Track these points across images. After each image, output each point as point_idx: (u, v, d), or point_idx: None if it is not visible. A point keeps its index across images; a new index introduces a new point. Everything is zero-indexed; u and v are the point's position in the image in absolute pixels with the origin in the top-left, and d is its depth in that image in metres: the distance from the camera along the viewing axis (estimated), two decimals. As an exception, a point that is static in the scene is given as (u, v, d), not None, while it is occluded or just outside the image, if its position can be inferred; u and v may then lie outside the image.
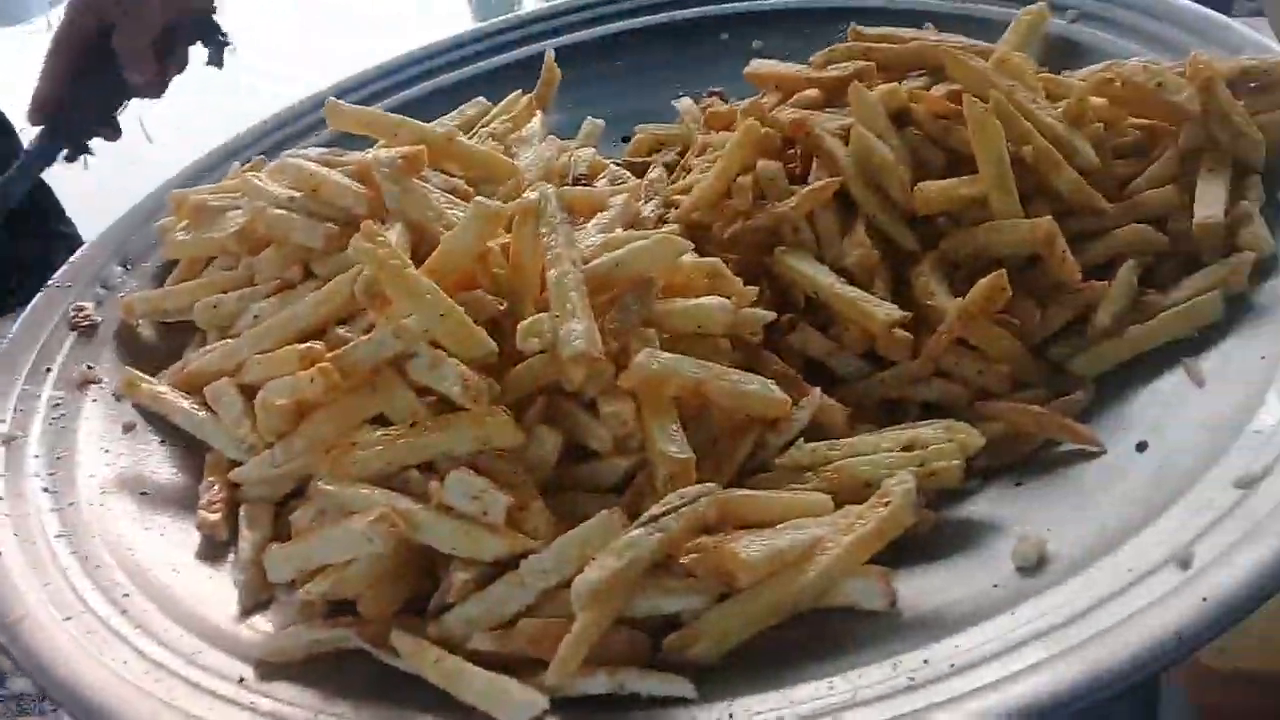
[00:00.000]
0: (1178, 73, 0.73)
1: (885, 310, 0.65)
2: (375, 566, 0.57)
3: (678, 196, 0.80)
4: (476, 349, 0.61)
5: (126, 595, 0.61)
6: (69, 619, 0.58)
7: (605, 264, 0.65)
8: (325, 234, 0.75)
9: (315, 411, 0.64)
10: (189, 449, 0.73)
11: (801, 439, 0.62)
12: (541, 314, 0.61)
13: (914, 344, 0.66)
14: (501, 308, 0.65)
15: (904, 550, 0.55)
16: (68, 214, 1.96)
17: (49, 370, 0.78)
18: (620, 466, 0.61)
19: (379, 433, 0.61)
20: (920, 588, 0.54)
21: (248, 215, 0.80)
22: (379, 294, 0.65)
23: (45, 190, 1.95)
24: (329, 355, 0.63)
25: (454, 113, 0.97)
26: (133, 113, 1.15)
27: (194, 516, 0.68)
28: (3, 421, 0.73)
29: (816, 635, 0.52)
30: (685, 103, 0.96)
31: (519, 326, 0.61)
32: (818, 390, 0.64)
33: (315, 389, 0.62)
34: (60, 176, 1.96)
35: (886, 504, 0.54)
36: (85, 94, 1.07)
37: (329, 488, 0.59)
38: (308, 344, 0.66)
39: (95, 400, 0.77)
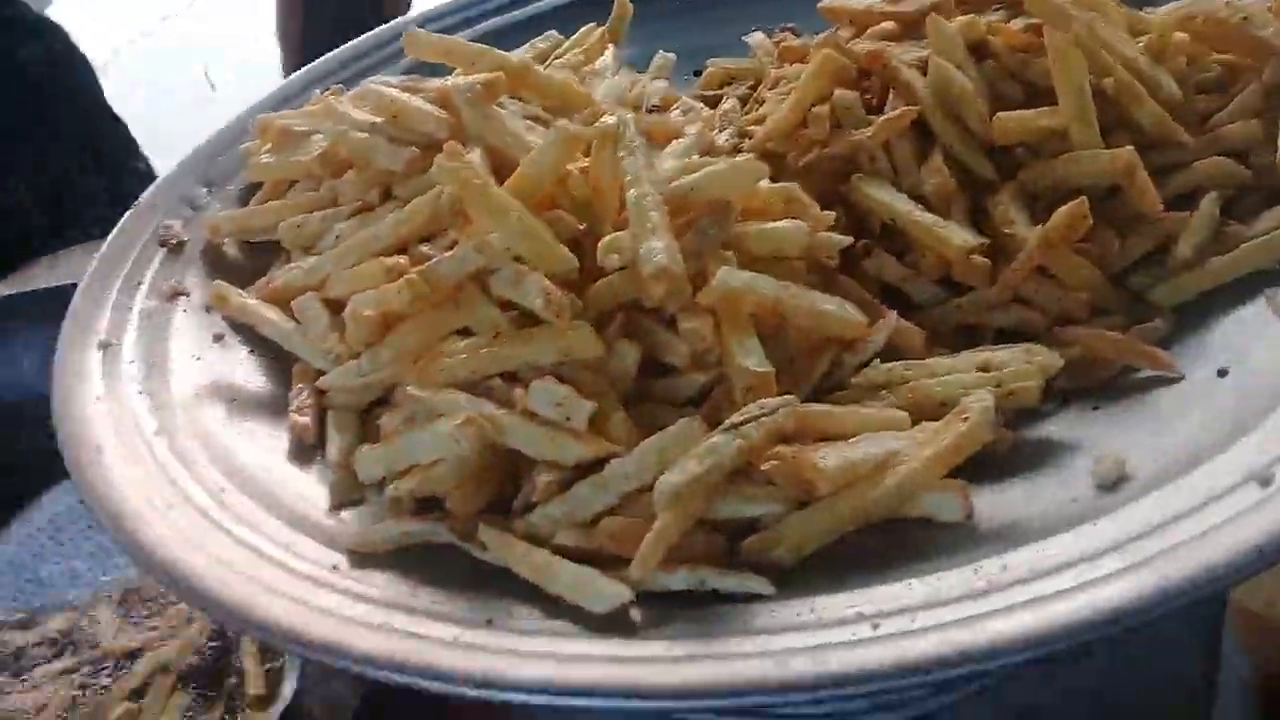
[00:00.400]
0: (1265, 8, 0.73)
1: (963, 236, 0.66)
2: (461, 467, 0.59)
3: (752, 127, 0.81)
4: (558, 265, 0.63)
5: (223, 490, 0.63)
6: (170, 509, 0.61)
7: (683, 187, 0.65)
8: (406, 158, 0.76)
9: (401, 324, 0.66)
10: (276, 359, 0.75)
11: (878, 359, 0.63)
12: (621, 231, 0.63)
13: (991, 271, 0.66)
14: (580, 228, 0.66)
15: (980, 468, 0.56)
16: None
17: (140, 284, 0.81)
18: (698, 381, 0.62)
19: (464, 343, 0.63)
20: (997, 502, 0.55)
21: (330, 139, 0.82)
22: (461, 212, 0.66)
23: (119, 125, 1.99)
24: (413, 269, 0.64)
25: (525, 46, 0.98)
26: (198, 62, 1.18)
27: (282, 422, 0.70)
28: (99, 330, 0.76)
29: (893, 543, 0.53)
30: (757, 37, 0.96)
31: (600, 243, 0.62)
32: (894, 313, 0.65)
33: (402, 300, 0.63)
34: (133, 116, 2.00)
35: (965, 420, 0.55)
36: None
37: (417, 393, 0.61)
38: (393, 258, 0.68)
39: (185, 312, 0.79)
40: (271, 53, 2.38)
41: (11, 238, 1.78)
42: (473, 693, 0.48)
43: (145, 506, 0.61)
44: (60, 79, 1.86)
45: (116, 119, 1.97)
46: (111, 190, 1.98)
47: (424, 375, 0.62)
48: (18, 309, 1.36)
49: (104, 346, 0.75)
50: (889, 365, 0.62)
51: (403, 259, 0.67)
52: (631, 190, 0.64)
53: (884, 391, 0.61)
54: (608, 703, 0.47)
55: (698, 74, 0.98)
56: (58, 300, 1.32)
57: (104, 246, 0.84)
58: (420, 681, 0.49)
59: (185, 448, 0.67)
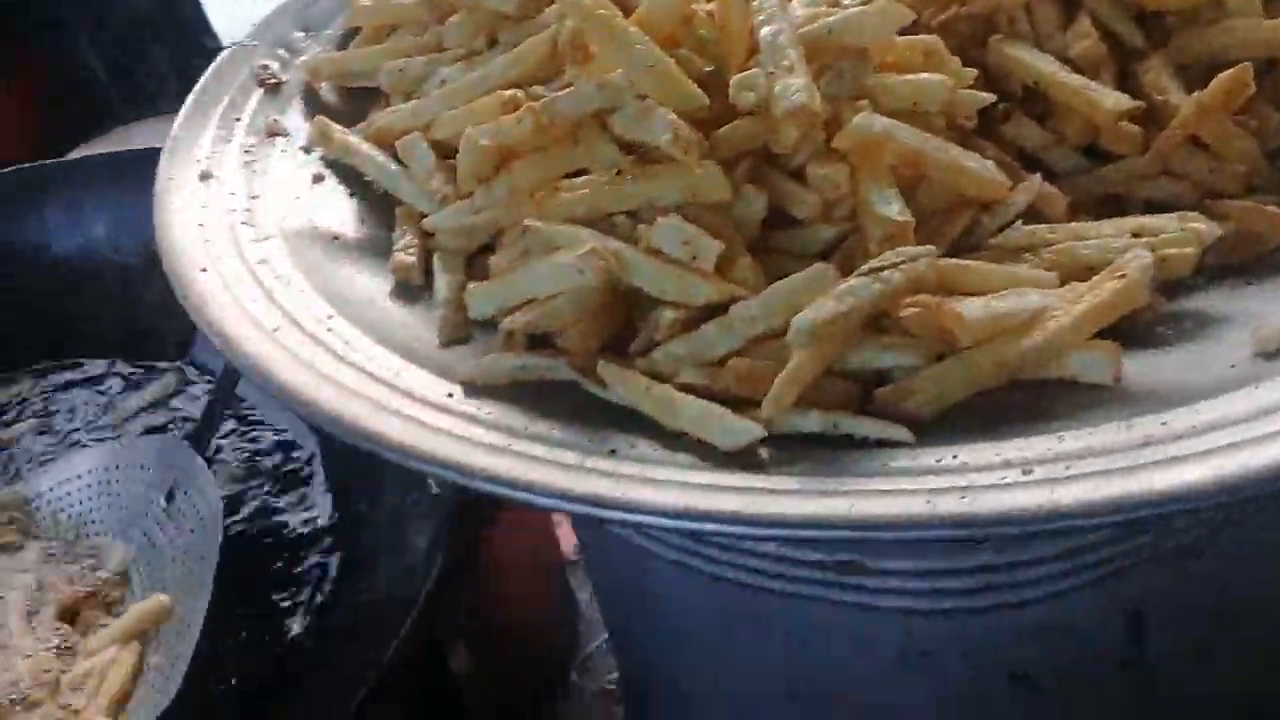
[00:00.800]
0: None
1: (1115, 98, 0.62)
2: (581, 301, 0.57)
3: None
4: (686, 101, 0.60)
5: (330, 317, 0.62)
6: (278, 330, 0.60)
7: (819, 29, 0.62)
8: (519, 1, 0.73)
9: (516, 161, 0.63)
10: (377, 203, 0.73)
11: (1019, 222, 0.60)
12: (756, 69, 0.60)
13: (1142, 141, 0.63)
14: (706, 70, 0.63)
15: (1130, 337, 0.53)
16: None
17: (238, 120, 0.79)
18: (826, 233, 0.59)
19: (583, 179, 0.60)
20: (1147, 369, 0.52)
21: (438, -19, 0.79)
22: (583, 47, 0.63)
23: (191, 1, 1.97)
24: (530, 104, 0.62)
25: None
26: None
27: (384, 264, 0.68)
28: (200, 161, 0.74)
29: (1038, 401, 0.51)
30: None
31: (733, 80, 0.59)
32: (1038, 176, 0.61)
33: (521, 131, 0.61)
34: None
35: (1121, 278, 0.52)
36: None
37: (536, 224, 0.58)
38: (510, 91, 0.65)
39: (284, 151, 0.77)
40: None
41: (81, 107, 1.77)
42: (604, 514, 0.47)
43: (254, 328, 0.60)
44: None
45: (190, -11, 1.95)
46: (180, 64, 1.96)
47: (543, 208, 0.59)
48: (87, 173, 1.35)
49: (205, 178, 0.73)
50: (1031, 228, 0.59)
51: (520, 93, 0.65)
52: (766, 29, 0.61)
53: (1026, 254, 0.58)
54: (750, 530, 0.45)
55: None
56: (126, 165, 1.33)
57: (199, 83, 0.82)
58: (545, 502, 0.48)
59: (289, 277, 0.65)
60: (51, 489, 1.01)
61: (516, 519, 1.32)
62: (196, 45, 1.94)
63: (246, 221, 0.70)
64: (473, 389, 0.57)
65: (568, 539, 1.60)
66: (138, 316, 1.26)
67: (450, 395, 0.56)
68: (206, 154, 0.75)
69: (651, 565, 0.72)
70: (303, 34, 0.88)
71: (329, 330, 0.61)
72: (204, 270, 0.64)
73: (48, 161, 1.37)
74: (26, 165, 1.35)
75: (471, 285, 0.61)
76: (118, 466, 0.99)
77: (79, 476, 1.00)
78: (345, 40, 0.87)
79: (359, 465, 1.04)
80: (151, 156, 1.36)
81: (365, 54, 0.82)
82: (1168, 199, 0.62)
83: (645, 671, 0.81)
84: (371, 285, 0.67)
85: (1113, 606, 0.64)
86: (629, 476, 0.49)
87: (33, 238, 1.32)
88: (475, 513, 0.91)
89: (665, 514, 0.46)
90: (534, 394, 0.56)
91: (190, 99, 0.81)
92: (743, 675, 0.75)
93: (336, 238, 0.71)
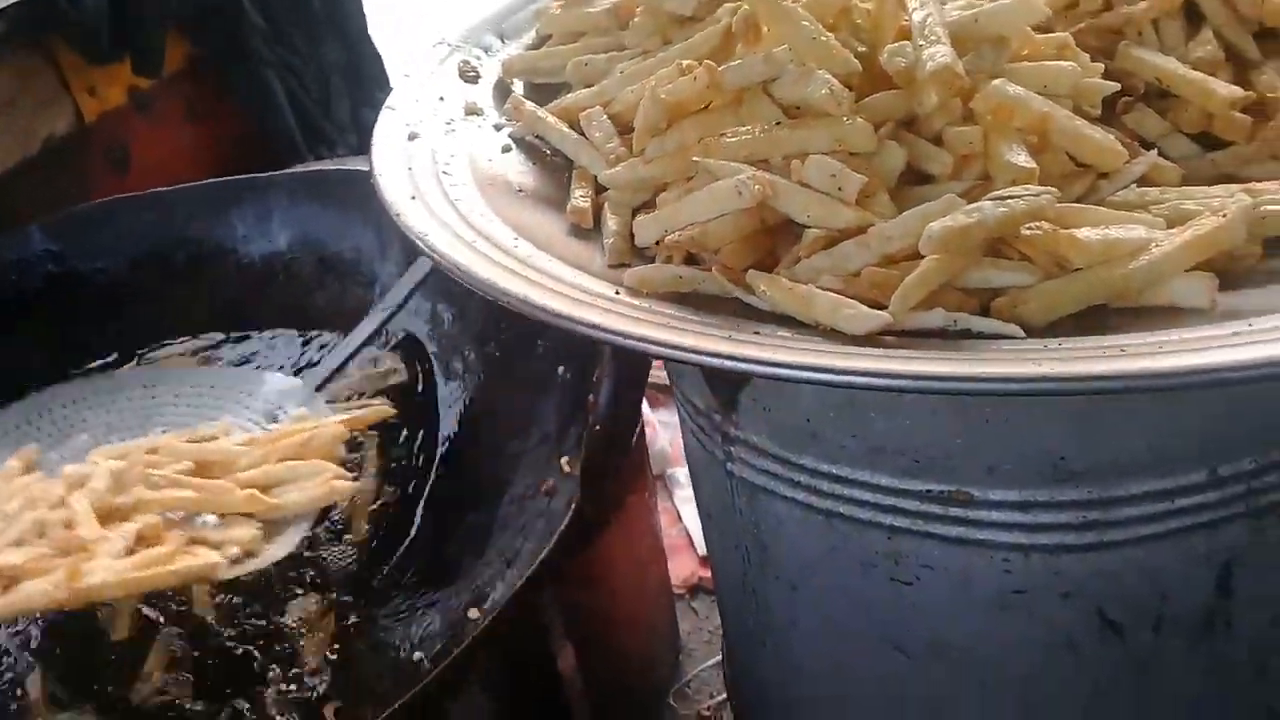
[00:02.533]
0: None
1: (1229, 89, 0.69)
2: (736, 225, 0.65)
3: None
4: (842, 67, 0.69)
5: (516, 239, 0.72)
6: (476, 241, 0.70)
7: (966, 19, 0.71)
8: (698, 2, 0.84)
9: (686, 119, 0.73)
10: (558, 172, 0.83)
11: (1134, 186, 0.66)
12: (905, 40, 0.68)
13: (1251, 130, 0.69)
14: (861, 49, 0.73)
15: (1227, 281, 0.59)
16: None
17: (442, 98, 0.91)
18: (957, 188, 0.67)
19: (746, 128, 0.70)
20: (1243, 300, 0.57)
21: (622, -8, 0.91)
22: (754, 26, 0.73)
23: (377, 55, 2.14)
24: (707, 63, 0.72)
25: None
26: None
27: (561, 212, 0.78)
28: (409, 122, 0.86)
29: (1139, 320, 0.57)
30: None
31: (885, 49, 0.68)
32: (1155, 150, 0.68)
33: (696, 87, 0.71)
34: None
35: (1221, 216, 0.58)
36: None
37: (701, 159, 0.68)
38: (687, 60, 0.75)
39: (479, 126, 0.89)
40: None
41: (268, 149, 1.94)
42: (762, 370, 0.54)
43: (455, 238, 0.70)
44: (335, 3, 2.03)
45: (375, 49, 2.13)
46: (357, 117, 2.13)
47: (707, 153, 0.69)
48: (276, 189, 1.50)
49: (412, 137, 0.85)
50: (1143, 189, 0.66)
51: (694, 62, 0.75)
52: (917, 14, 0.70)
53: (1137, 211, 0.64)
54: (881, 382, 0.52)
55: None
56: (310, 185, 1.48)
57: (409, 71, 0.95)
58: (699, 360, 0.55)
59: (481, 210, 0.76)
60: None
61: (630, 537, 1.40)
62: (375, 98, 2.12)
63: (446, 172, 0.81)
64: (635, 292, 0.65)
65: (678, 570, 1.66)
66: (309, 322, 1.40)
67: (617, 292, 0.65)
68: (415, 120, 0.87)
69: (768, 505, 0.79)
70: (499, 40, 1.01)
71: (515, 246, 0.70)
72: (413, 198, 0.75)
73: (242, 176, 1.53)
74: (224, 179, 1.51)
75: (639, 217, 0.70)
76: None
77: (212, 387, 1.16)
78: (535, 48, 0.99)
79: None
80: (331, 179, 1.52)
81: (554, 52, 0.93)
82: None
83: (755, 625, 0.87)
84: (548, 225, 0.77)
85: (1203, 557, 0.68)
86: (774, 345, 0.56)
87: (225, 242, 1.47)
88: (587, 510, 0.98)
89: (808, 369, 0.54)
90: (686, 301, 0.65)
91: (400, 81, 0.93)
92: (848, 621, 0.80)
93: (520, 191, 0.81)
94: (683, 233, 0.66)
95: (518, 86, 0.95)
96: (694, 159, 0.69)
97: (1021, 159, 0.63)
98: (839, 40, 0.72)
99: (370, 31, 2.11)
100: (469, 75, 0.95)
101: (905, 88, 0.69)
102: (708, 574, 1.61)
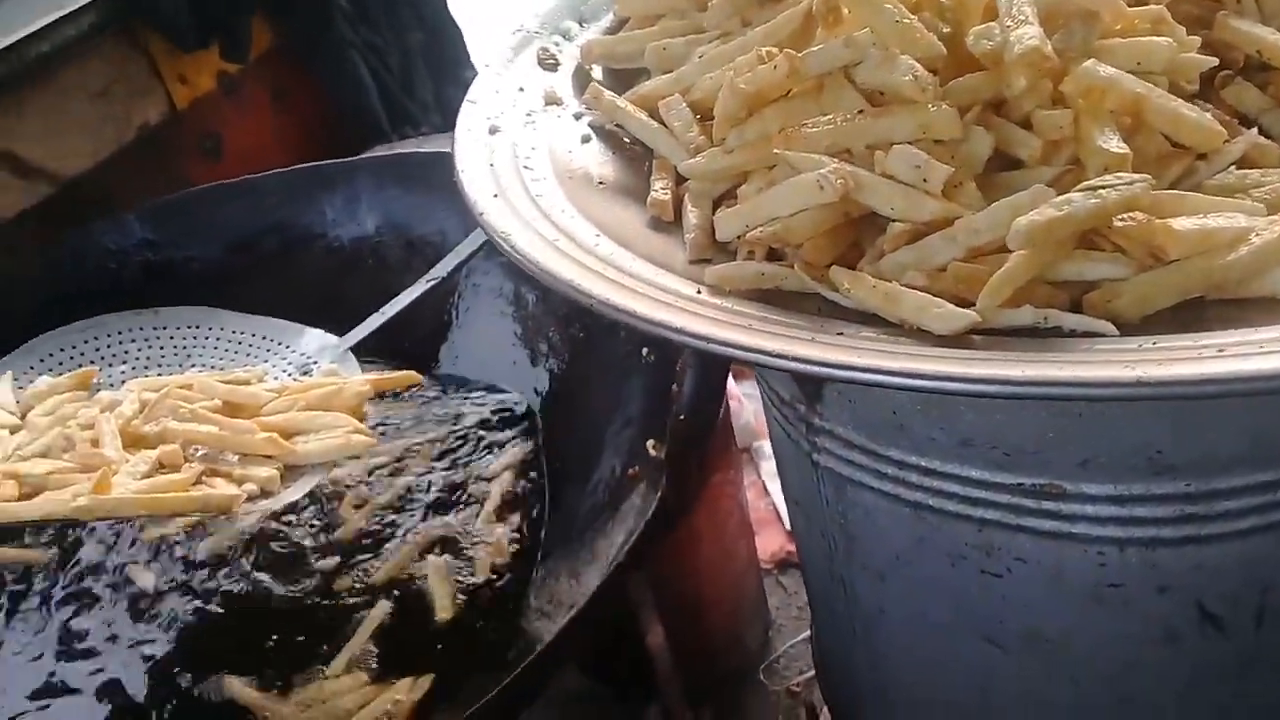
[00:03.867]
0: None
1: (1336, 61, 0.66)
2: (818, 219, 0.64)
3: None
4: (926, 51, 0.67)
5: (597, 236, 0.72)
6: (557, 240, 0.70)
7: (1055, -5, 0.69)
8: (778, -18, 0.83)
9: (766, 108, 0.72)
10: (634, 162, 0.83)
11: (1233, 167, 0.64)
12: (991, 21, 0.67)
13: (1360, 104, 0.66)
14: (945, 30, 0.71)
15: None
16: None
17: (521, 89, 0.91)
18: (1047, 174, 0.65)
19: (827, 117, 0.68)
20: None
21: (700, -26, 0.89)
22: (835, 9, 0.72)
23: (458, 33, 2.15)
24: (787, 50, 0.71)
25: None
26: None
27: (641, 205, 0.78)
28: (490, 115, 0.87)
29: (1238, 313, 0.55)
30: None
31: (971, 30, 0.66)
32: (1255, 129, 0.66)
33: (776, 75, 0.70)
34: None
35: (1328, 204, 0.56)
36: None
37: (782, 152, 0.67)
38: (766, 48, 0.74)
39: (559, 117, 0.89)
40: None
41: (353, 129, 1.96)
42: (850, 376, 0.54)
43: (537, 238, 0.70)
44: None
45: (456, 26, 2.14)
46: (441, 94, 2.15)
47: (788, 144, 0.68)
48: (362, 172, 1.52)
49: (493, 131, 0.85)
50: (1244, 171, 0.63)
51: (774, 49, 0.74)
52: (1002, -7, 0.68)
53: (1237, 195, 0.62)
54: (968, 388, 0.51)
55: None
56: (396, 169, 1.50)
57: (491, 59, 0.95)
58: (795, 368, 0.55)
59: (563, 206, 0.76)
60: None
61: (716, 514, 1.40)
62: (457, 77, 2.14)
63: (527, 166, 0.81)
64: (717, 291, 0.65)
65: (766, 545, 1.66)
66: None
67: (699, 291, 0.64)
68: (495, 113, 0.87)
69: (855, 496, 0.78)
70: (577, 24, 1.00)
71: (596, 244, 0.71)
72: (495, 196, 0.76)
73: (330, 161, 1.55)
74: (313, 164, 1.54)
75: (720, 211, 0.70)
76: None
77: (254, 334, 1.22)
78: (614, 31, 0.99)
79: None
80: (416, 162, 1.53)
81: (632, 36, 0.93)
82: (1386, 161, 0.65)
83: (843, 612, 0.86)
84: (629, 219, 0.77)
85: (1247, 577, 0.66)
86: (859, 348, 0.56)
87: (314, 227, 1.50)
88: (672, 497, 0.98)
89: (898, 374, 0.53)
90: (768, 299, 0.64)
91: (481, 72, 0.93)
92: (938, 612, 0.79)
93: (601, 183, 0.81)
94: (764, 229, 0.66)
95: (596, 72, 0.95)
96: (774, 150, 0.68)
97: (1114, 144, 0.61)
98: (922, 22, 0.70)
99: (450, 8, 2.12)
100: (548, 63, 0.95)
101: (991, 69, 0.67)
102: (795, 548, 1.61)
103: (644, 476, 1.04)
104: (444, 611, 1.02)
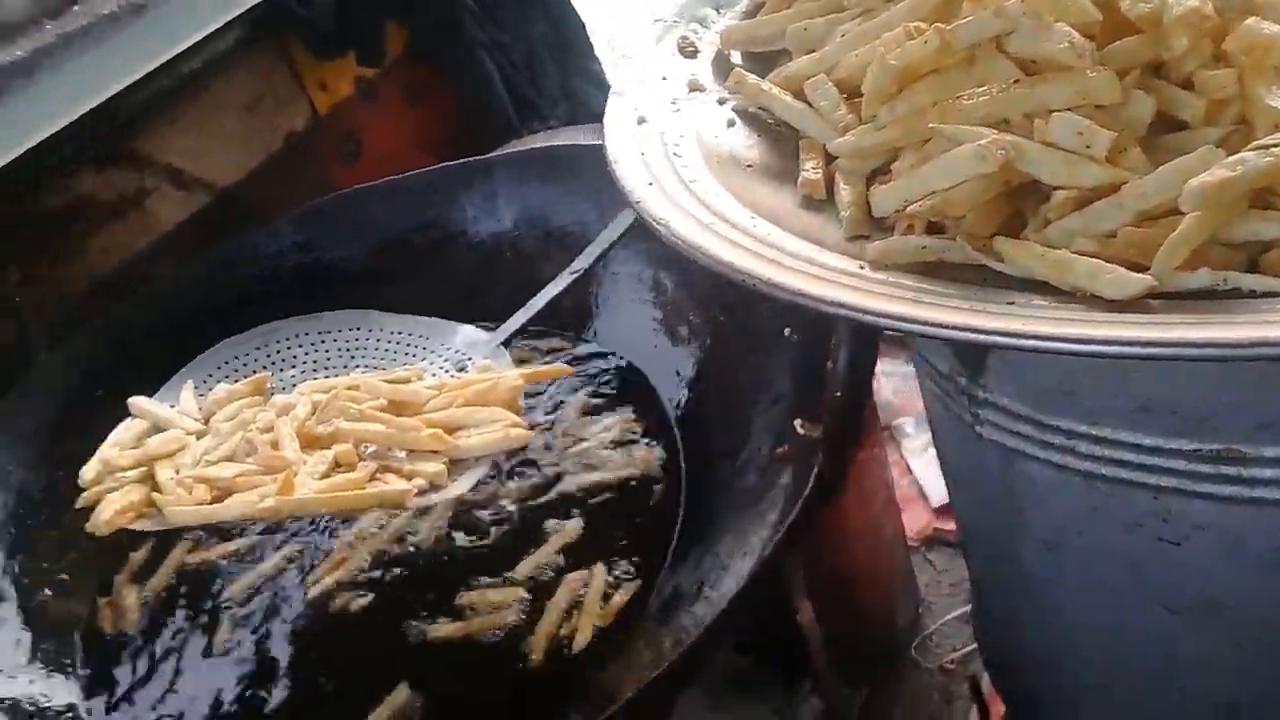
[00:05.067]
0: None
1: None
2: (979, 190, 0.65)
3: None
4: (1080, 16, 0.67)
5: (753, 218, 0.73)
6: (713, 224, 0.72)
7: (1211, -45, 0.67)
8: (915, -44, 0.82)
9: (917, 83, 0.72)
10: (783, 143, 0.84)
11: None
12: (1151, -17, 0.66)
13: None
14: None
15: None
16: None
17: (665, 79, 0.93)
18: (1212, 135, 0.64)
19: (983, 88, 0.68)
20: None
21: (833, -47, 0.90)
22: (984, -19, 0.72)
23: (581, 24, 2.17)
24: (936, 25, 0.71)
25: None
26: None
27: (791, 186, 0.79)
28: (637, 107, 0.89)
29: None
30: None
31: (1128, -7, 0.66)
32: None
33: (926, 50, 0.70)
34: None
35: None
36: None
37: (939, 125, 0.67)
38: (915, 23, 0.74)
39: (703, 103, 0.91)
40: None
41: (483, 124, 2.01)
42: (1012, 343, 0.54)
43: (695, 223, 0.72)
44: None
45: (579, 18, 2.17)
46: (567, 86, 2.18)
47: (943, 117, 0.68)
48: (499, 169, 1.56)
49: (641, 121, 0.87)
50: None
51: (923, 24, 0.74)
52: (1160, -48, 0.66)
53: None
54: (1149, 351, 0.51)
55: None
56: (529, 162, 1.53)
57: (634, 51, 0.97)
58: (977, 339, 0.56)
59: (716, 191, 0.77)
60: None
61: (863, 492, 1.40)
62: (582, 68, 2.17)
63: (676, 153, 0.83)
64: (878, 266, 0.66)
65: (912, 523, 1.66)
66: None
67: (861, 267, 0.65)
68: (641, 103, 0.89)
69: (1021, 467, 0.78)
70: (715, 11, 1.02)
71: (753, 226, 0.72)
72: (650, 184, 0.78)
73: (467, 159, 1.59)
74: (453, 162, 1.58)
75: (875, 187, 0.70)
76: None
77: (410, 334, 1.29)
78: (750, 15, 1.00)
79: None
80: (549, 156, 1.56)
81: (772, 19, 0.94)
82: None
83: (1012, 583, 0.86)
84: (779, 200, 0.78)
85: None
86: (1032, 317, 0.56)
87: (456, 224, 1.55)
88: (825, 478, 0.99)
89: (1085, 341, 0.53)
90: (929, 271, 0.65)
91: (626, 63, 0.96)
92: (1112, 580, 0.79)
93: (749, 165, 0.83)
94: (923, 202, 0.66)
95: (736, 57, 0.96)
96: (930, 125, 0.68)
97: (1284, 102, 0.60)
98: (1073, -13, 0.70)
99: (573, 1, 2.15)
100: (688, 51, 0.97)
101: (1149, 31, 0.66)
102: (942, 525, 1.61)
103: (794, 455, 1.05)
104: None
